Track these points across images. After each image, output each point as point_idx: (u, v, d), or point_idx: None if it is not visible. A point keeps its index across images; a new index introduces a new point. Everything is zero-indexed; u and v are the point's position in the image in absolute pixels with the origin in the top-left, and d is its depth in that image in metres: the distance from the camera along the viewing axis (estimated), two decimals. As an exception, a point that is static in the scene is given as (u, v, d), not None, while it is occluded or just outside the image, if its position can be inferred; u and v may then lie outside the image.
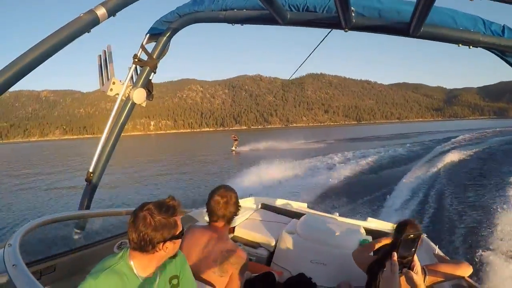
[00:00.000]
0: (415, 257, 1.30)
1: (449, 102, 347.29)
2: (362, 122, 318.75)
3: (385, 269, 1.32)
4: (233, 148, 30.54)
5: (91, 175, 2.43)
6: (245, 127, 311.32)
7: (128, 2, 1.46)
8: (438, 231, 6.58)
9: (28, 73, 1.30)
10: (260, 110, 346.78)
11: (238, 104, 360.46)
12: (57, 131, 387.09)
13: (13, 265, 1.08)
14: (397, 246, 1.28)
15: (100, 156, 2.47)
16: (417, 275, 1.27)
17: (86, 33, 1.41)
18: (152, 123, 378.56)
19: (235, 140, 31.40)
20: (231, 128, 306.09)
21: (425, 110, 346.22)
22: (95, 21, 1.40)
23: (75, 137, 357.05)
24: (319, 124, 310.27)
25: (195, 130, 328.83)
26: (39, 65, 1.32)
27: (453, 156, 16.61)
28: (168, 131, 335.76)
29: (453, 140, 27.74)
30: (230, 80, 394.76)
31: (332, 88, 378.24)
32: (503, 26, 1.87)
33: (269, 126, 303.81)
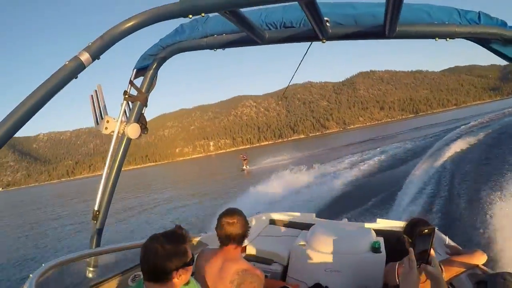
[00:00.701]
0: (432, 252, 1.42)
1: (505, 79, 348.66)
2: (420, 114, 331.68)
3: (403, 265, 1.43)
4: (244, 167, 32.31)
5: (97, 213, 2.59)
6: (303, 136, 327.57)
7: (109, 44, 1.58)
8: (450, 222, 6.86)
9: (22, 126, 1.41)
10: (316, 117, 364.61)
11: (293, 113, 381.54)
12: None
13: None
14: (413, 243, 1.38)
15: (103, 194, 2.61)
16: (435, 268, 1.38)
17: (74, 79, 1.54)
18: (211, 143, 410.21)
19: (244, 159, 33.24)
20: (289, 139, 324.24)
21: (481, 91, 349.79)
22: (81, 67, 1.53)
23: (139, 166, 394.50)
24: (376, 122, 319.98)
25: (254, 145, 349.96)
26: (32, 116, 1.43)
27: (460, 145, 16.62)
28: (228, 150, 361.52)
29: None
30: (281, 91, 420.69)
31: (384, 84, 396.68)
32: (479, 13, 1.98)
33: (327, 131, 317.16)
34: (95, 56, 1.56)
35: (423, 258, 1.38)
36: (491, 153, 13.81)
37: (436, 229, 1.46)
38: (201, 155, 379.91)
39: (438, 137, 24.07)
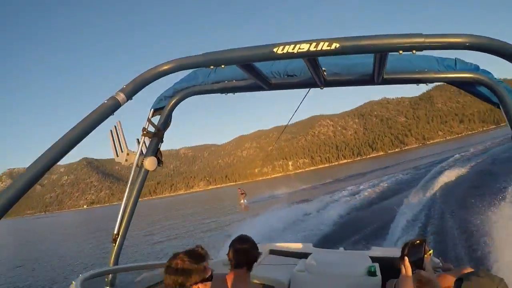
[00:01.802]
0: (425, 259, 1.76)
1: None
2: (501, 124, 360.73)
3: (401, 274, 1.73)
4: (241, 202, 36.12)
5: (116, 236, 3.04)
6: (382, 153, 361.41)
7: (141, 87, 1.99)
8: (443, 248, 8.07)
9: (64, 155, 1.70)
10: (394, 133, 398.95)
11: (371, 131, 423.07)
12: (201, 183, 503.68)
13: None
14: (407, 252, 1.73)
15: (122, 220, 3.04)
16: (428, 272, 1.71)
17: (111, 115, 1.93)
18: (290, 163, 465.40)
19: (242, 194, 37.08)
20: (368, 156, 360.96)
21: None
22: (117, 105, 1.91)
23: (218, 186, 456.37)
24: (456, 135, 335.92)
25: (332, 163, 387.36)
26: (75, 146, 1.73)
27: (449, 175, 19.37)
28: (306, 169, 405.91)
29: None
30: (357, 109, 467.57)
31: (462, 96, 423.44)
32: (455, 60, 2.48)
33: (406, 148, 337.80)
34: (129, 96, 1.96)
35: (417, 265, 1.75)
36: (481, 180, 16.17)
37: (426, 239, 1.84)
38: (280, 174, 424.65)
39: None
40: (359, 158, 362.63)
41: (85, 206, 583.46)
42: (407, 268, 1.70)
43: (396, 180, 27.23)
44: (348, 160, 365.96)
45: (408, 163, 50.06)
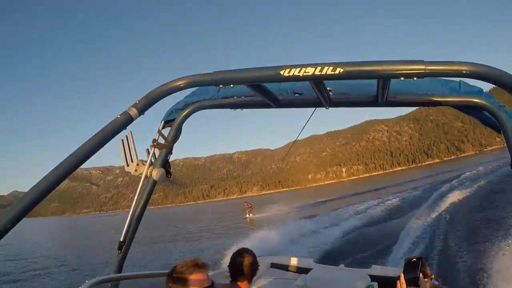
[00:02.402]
0: (421, 277, 1.92)
1: None
2: None
3: None
4: (247, 216, 38.90)
5: (122, 244, 3.28)
6: (437, 160, 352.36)
7: (153, 102, 2.18)
8: (444, 271, 8.58)
9: (78, 167, 1.89)
10: (450, 139, 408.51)
11: (426, 136, 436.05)
12: (254, 187, 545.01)
13: None
14: (404, 269, 1.88)
15: (129, 228, 3.29)
16: None
17: (124, 129, 2.10)
18: (343, 170, 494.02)
19: (249, 207, 40.28)
20: (423, 164, 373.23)
21: None
22: (130, 120, 2.08)
23: (271, 191, 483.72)
24: None
25: (387, 170, 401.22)
26: (88, 158, 1.92)
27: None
28: (360, 176, 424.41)
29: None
30: (412, 114, 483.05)
31: None
32: (459, 83, 2.60)
33: (462, 155, 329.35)
34: (141, 111, 2.14)
35: (413, 282, 1.88)
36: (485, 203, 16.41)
37: (423, 257, 1.99)
38: (333, 181, 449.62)
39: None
40: (414, 165, 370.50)
41: None
42: (401, 284, 1.84)
43: (409, 197, 28.04)
44: (403, 167, 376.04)
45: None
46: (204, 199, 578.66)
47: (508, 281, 5.87)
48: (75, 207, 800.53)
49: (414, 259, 1.90)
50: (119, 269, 3.33)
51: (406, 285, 1.83)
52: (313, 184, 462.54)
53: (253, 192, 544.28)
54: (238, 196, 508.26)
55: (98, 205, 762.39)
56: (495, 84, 1.71)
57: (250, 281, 2.75)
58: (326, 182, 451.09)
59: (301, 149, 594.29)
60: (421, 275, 1.91)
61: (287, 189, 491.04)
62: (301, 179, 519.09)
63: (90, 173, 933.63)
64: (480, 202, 17.77)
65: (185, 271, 1.94)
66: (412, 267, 1.88)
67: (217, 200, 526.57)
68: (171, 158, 3.47)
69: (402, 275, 1.85)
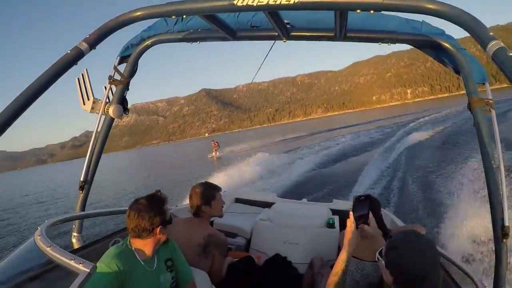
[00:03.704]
0: (370, 215, 2.06)
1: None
2: None
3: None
4: (213, 154, 40.82)
5: (83, 184, 3.44)
6: (505, 85, 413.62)
7: (104, 36, 2.24)
8: (401, 207, 9.30)
9: (30, 105, 1.96)
10: None
11: None
12: (319, 110, 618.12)
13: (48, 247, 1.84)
14: (352, 207, 2.02)
15: (88, 167, 3.44)
16: (371, 228, 2.02)
17: (74, 65, 2.16)
18: (408, 91, 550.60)
19: (215, 145, 42.16)
20: (491, 88, 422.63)
21: None
22: (80, 55, 2.14)
23: (336, 113, 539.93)
24: None
25: (453, 93, 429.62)
26: (39, 96, 1.99)
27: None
28: (426, 98, 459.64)
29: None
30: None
31: None
32: (422, 22, 2.73)
33: None
34: (92, 46, 2.19)
35: (362, 220, 2.01)
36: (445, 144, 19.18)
37: (373, 197, 2.10)
38: (398, 103, 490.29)
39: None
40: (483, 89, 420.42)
41: (206, 134, 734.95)
42: (350, 222, 1.97)
43: (371, 137, 30.82)
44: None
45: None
46: (270, 123, 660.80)
47: (461, 218, 6.52)
48: (144, 139, 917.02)
49: (363, 197, 2.00)
50: (82, 208, 3.54)
51: (356, 222, 1.97)
52: (378, 106, 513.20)
53: (318, 114, 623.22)
54: (303, 119, 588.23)
55: (167, 135, 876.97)
56: (454, 23, 1.77)
57: (206, 212, 2.97)
58: (391, 104, 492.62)
59: (365, 69, 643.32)
60: (369, 212, 2.05)
61: (351, 110, 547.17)
62: (365, 100, 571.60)
63: (156, 105, 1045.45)
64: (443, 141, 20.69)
65: (145, 205, 2.06)
66: (360, 205, 2.00)
67: (282, 123, 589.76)
68: (128, 95, 3.64)
69: (351, 213, 1.98)
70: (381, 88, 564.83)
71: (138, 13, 2.30)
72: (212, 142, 43.61)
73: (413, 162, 15.36)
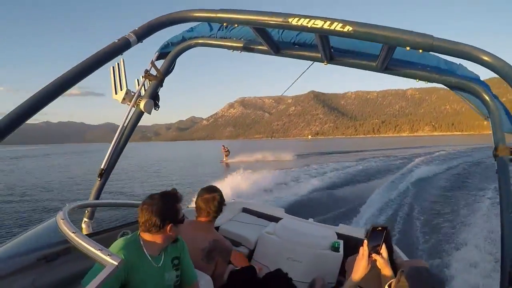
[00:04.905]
0: (383, 247, 2.12)
1: None
2: None
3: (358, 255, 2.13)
4: (223, 160, 43.18)
5: (103, 171, 3.60)
6: None
7: (151, 31, 2.40)
8: (405, 238, 9.37)
9: (68, 88, 2.12)
10: None
11: None
12: (426, 127, 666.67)
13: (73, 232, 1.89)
14: (368, 236, 2.09)
15: (110, 156, 3.62)
16: (383, 259, 2.07)
17: (120, 55, 2.34)
18: None
19: (226, 151, 44.09)
20: None
21: None
22: (127, 45, 2.30)
23: (443, 133, 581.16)
24: None
25: None
26: (80, 80, 2.15)
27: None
28: None
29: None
30: None
31: None
32: (459, 65, 2.93)
33: None
34: (140, 39, 2.34)
35: (375, 250, 2.08)
36: (455, 183, 19.18)
37: (388, 227, 2.15)
38: None
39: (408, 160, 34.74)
40: None
41: (309, 137, 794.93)
42: (364, 251, 2.04)
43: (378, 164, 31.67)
44: None
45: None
46: (374, 134, 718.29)
47: (466, 262, 6.65)
48: (247, 133, 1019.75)
49: (380, 228, 2.06)
50: (97, 196, 3.70)
51: (369, 252, 2.03)
52: (488, 132, 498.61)
53: (424, 132, 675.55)
54: (409, 134, 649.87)
55: (270, 132, 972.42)
56: (499, 75, 1.93)
57: (214, 218, 3.06)
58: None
59: (499, 89, 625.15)
60: (383, 244, 2.11)
61: (460, 132, 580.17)
62: (476, 124, 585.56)
63: (263, 101, 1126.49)
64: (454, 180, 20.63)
65: (160, 202, 2.14)
66: (376, 235, 2.06)
67: (386, 136, 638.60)
68: (161, 92, 3.75)
69: (365, 242, 2.04)
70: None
71: (191, 14, 2.44)
72: (222, 147, 45.46)
73: (421, 195, 15.61)
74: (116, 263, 1.53)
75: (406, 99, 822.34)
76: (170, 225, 2.15)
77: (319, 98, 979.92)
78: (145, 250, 2.15)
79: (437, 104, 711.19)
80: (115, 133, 3.64)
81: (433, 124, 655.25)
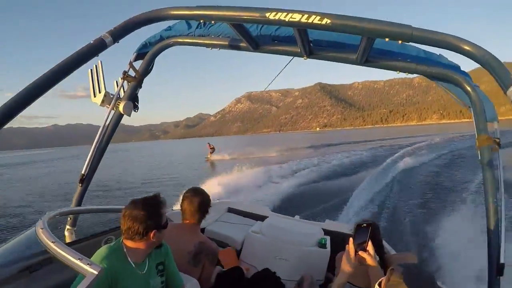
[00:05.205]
0: (370, 243, 2.11)
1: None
2: None
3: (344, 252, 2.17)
4: (208, 157, 43.89)
5: (83, 177, 3.55)
6: None
7: (128, 31, 2.38)
8: (393, 231, 9.50)
9: (48, 89, 2.10)
10: None
11: None
12: (434, 115, 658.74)
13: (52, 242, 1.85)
14: (354, 233, 2.08)
15: (91, 161, 3.56)
16: (370, 256, 2.08)
17: (96, 56, 2.32)
18: None
19: (211, 148, 44.52)
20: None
21: None
22: (103, 46, 2.28)
23: (451, 121, 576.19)
24: None
25: None
26: (58, 82, 2.13)
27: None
28: None
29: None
30: None
31: None
32: (439, 56, 2.96)
33: None
34: (116, 39, 2.33)
35: (362, 247, 2.09)
36: (442, 172, 19.70)
37: (373, 223, 2.23)
38: None
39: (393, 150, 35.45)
40: None
41: (318, 129, 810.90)
42: (350, 249, 2.05)
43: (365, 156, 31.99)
44: None
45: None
46: (382, 123, 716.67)
47: (454, 253, 6.76)
48: (256, 127, 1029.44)
49: (364, 225, 2.07)
50: (79, 202, 3.65)
51: (355, 249, 2.04)
52: (504, 117, 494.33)
53: (432, 120, 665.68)
54: (417, 123, 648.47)
55: (278, 125, 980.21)
56: (479, 63, 1.94)
57: (200, 220, 3.05)
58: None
59: (487, 76, 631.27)
60: (369, 241, 2.12)
61: (468, 120, 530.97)
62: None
63: (270, 95, 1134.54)
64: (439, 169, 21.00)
65: (142, 208, 2.10)
66: (362, 232, 2.06)
67: (395, 125, 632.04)
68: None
69: (351, 240, 2.06)
70: (505, 98, 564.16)
71: (167, 12, 2.45)
72: (207, 144, 45.45)
73: (408, 187, 15.72)
74: (96, 272, 1.51)
75: (413, 88, 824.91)
76: (153, 231, 2.13)
77: (326, 89, 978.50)
78: (128, 258, 2.12)
79: (444, 92, 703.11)
80: (120, 133, 6.08)
81: (441, 112, 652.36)
